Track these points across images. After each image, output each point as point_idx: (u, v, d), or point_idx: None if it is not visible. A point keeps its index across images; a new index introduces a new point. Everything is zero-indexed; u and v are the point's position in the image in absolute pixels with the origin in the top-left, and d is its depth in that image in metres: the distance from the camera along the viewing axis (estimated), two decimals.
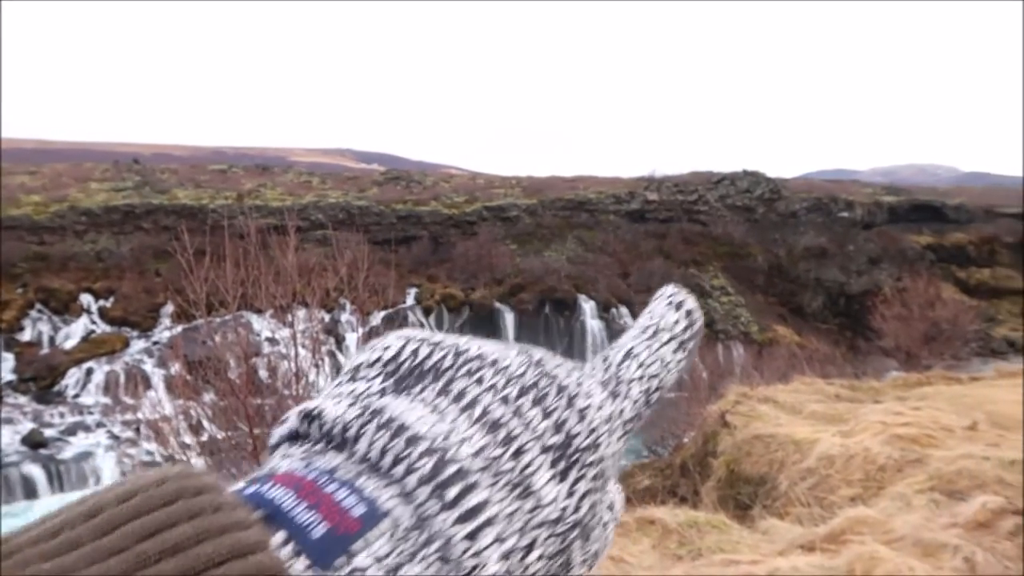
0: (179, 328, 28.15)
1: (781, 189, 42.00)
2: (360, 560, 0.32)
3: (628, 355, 0.44)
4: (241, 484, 0.33)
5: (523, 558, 0.35)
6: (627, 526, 4.93)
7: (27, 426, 21.14)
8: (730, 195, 40.78)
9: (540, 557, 0.35)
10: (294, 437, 0.38)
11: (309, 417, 0.37)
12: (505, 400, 0.39)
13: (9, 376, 23.92)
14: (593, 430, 0.39)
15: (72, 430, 21.59)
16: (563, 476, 0.37)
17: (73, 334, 26.87)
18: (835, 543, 3.74)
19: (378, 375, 0.40)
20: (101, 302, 28.33)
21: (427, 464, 0.35)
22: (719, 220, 39.68)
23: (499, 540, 0.34)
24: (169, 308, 28.81)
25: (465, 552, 0.33)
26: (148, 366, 25.08)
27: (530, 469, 0.37)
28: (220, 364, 8.45)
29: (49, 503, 19.23)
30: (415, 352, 0.41)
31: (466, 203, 37.41)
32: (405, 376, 0.40)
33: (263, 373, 9.13)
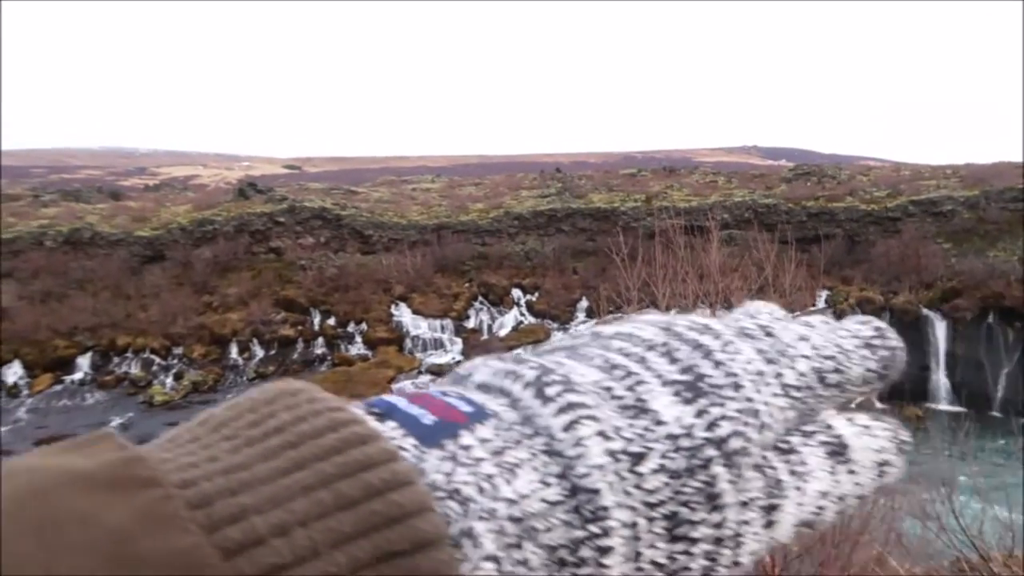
0: (592, 322, 30.55)
1: None
2: (465, 440, 0.33)
3: (799, 337, 0.43)
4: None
5: (635, 465, 0.34)
6: None
7: None
8: None
9: (659, 470, 0.34)
10: None
11: (463, 378, 0.40)
12: (628, 354, 0.39)
13: (459, 357, 28.33)
14: (730, 373, 0.38)
15: None
16: (688, 402, 0.37)
17: (506, 324, 30.79)
18: None
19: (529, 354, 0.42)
20: (528, 296, 31.97)
21: (532, 373, 0.37)
22: None
23: (602, 435, 0.34)
24: (584, 303, 31.37)
25: (565, 441, 0.34)
26: None
27: (646, 396, 0.36)
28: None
29: None
30: (560, 340, 0.44)
31: (888, 197, 33.80)
32: (542, 351, 0.42)
33: None
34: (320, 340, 28.48)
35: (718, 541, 0.35)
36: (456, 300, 30.84)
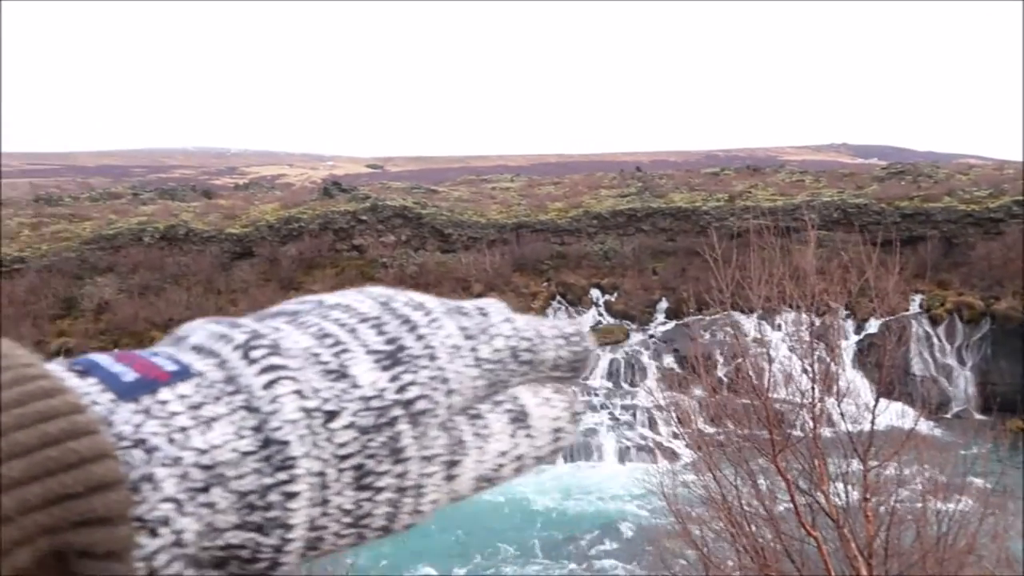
0: (672, 323, 30.08)
1: None
2: (163, 395, 0.36)
3: (505, 319, 0.49)
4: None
5: (327, 422, 0.38)
6: None
7: None
8: None
9: (349, 426, 0.38)
10: None
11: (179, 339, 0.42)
12: (342, 324, 0.43)
13: None
14: (428, 346, 0.43)
15: (582, 407, 24.61)
16: (386, 369, 0.41)
17: (584, 324, 30.47)
18: None
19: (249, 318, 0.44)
20: (607, 296, 31.70)
21: (243, 337, 0.40)
22: None
23: (299, 394, 0.38)
24: (664, 304, 30.89)
25: (263, 398, 0.37)
26: (644, 357, 27.23)
27: (349, 363, 0.40)
28: (709, 361, 8.71)
29: (562, 468, 22.28)
30: (286, 306, 0.46)
31: (990, 197, 31.98)
32: (263, 315, 0.45)
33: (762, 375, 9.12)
34: None
35: (401, 491, 0.40)
36: (534, 299, 30.86)
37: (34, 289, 27.39)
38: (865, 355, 21.25)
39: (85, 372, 0.35)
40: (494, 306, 0.50)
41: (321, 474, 0.37)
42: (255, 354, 0.39)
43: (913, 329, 25.33)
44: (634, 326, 30.06)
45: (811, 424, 6.45)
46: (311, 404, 0.38)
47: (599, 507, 20.30)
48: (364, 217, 32.81)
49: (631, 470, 19.74)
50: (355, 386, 0.40)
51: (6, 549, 0.28)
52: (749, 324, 13.23)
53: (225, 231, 31.89)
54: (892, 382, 7.98)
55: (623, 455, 22.41)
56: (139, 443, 0.34)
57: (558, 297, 31.50)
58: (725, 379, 9.03)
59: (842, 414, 6.65)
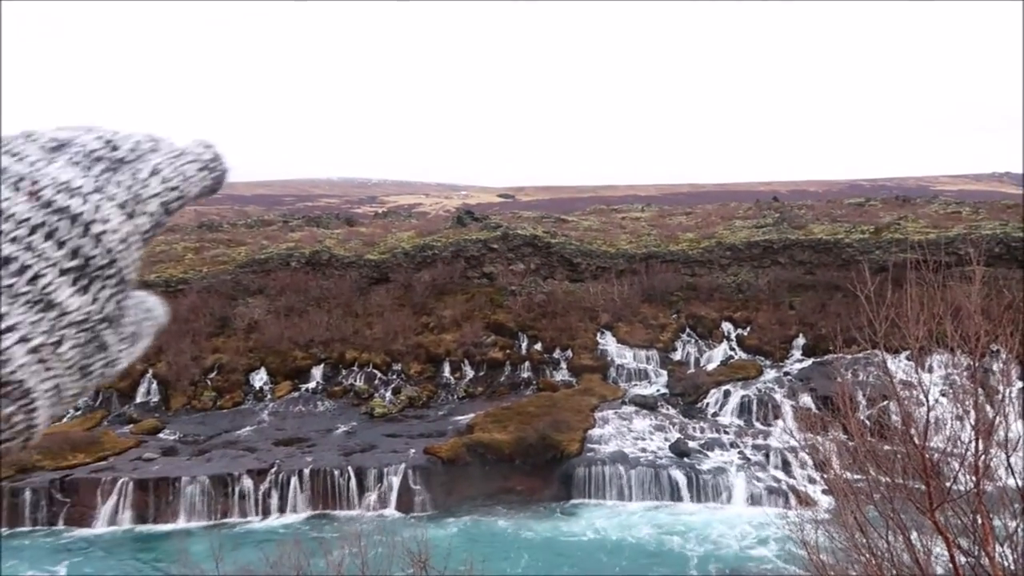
0: (809, 361, 28.58)
1: None
2: None
3: (153, 172, 0.53)
4: None
5: (56, 350, 0.46)
6: None
7: (674, 435, 24.10)
8: None
9: (72, 347, 0.47)
10: None
11: None
12: (15, 240, 0.46)
13: (663, 389, 27.69)
14: (109, 250, 0.49)
15: (710, 445, 23.74)
16: (85, 289, 0.48)
17: (714, 358, 29.63)
18: None
19: None
20: (739, 330, 30.59)
21: None
22: None
23: (24, 340, 0.44)
24: (801, 340, 29.45)
25: None
26: (778, 395, 26.01)
27: (50, 288, 0.46)
28: (850, 402, 8.18)
29: (689, 508, 21.54)
30: None
31: None
32: None
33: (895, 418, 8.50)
34: (527, 364, 29.12)
35: (107, 364, 0.52)
36: (663, 331, 30.23)
37: (194, 308, 29.62)
38: None
39: None
40: (143, 144, 0.54)
41: (56, 387, 0.46)
42: None
43: None
44: (768, 362, 28.81)
45: (973, 477, 5.88)
46: (35, 342, 0.45)
47: (727, 550, 19.42)
48: (495, 245, 33.40)
49: (762, 513, 18.78)
50: (64, 313, 0.46)
51: None
52: (895, 365, 12.39)
53: (364, 257, 33.35)
54: None
55: (754, 497, 21.38)
56: None
57: (688, 329, 30.72)
58: (869, 423, 8.45)
59: (1010, 467, 6.03)
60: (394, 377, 28.49)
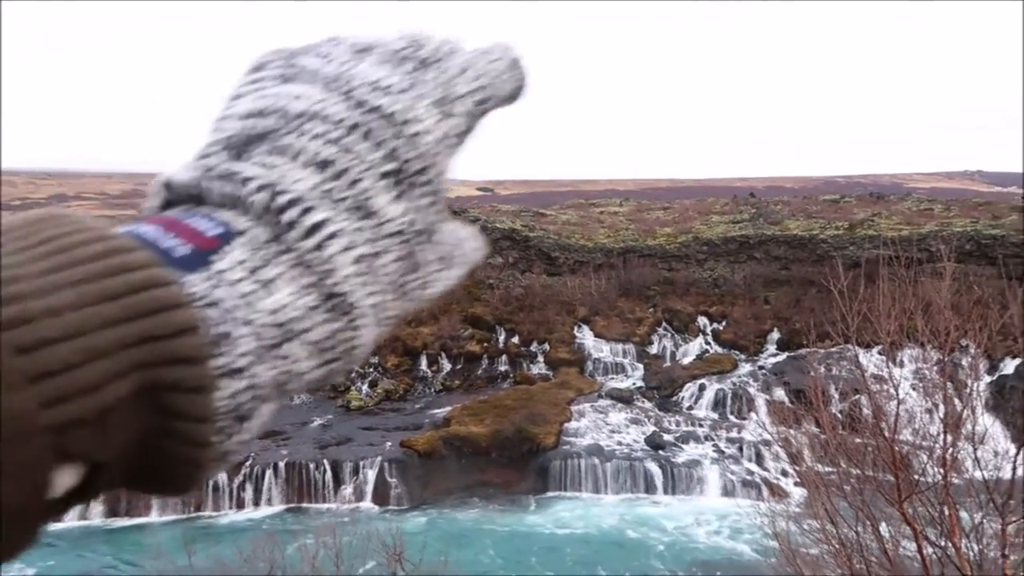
0: (783, 355, 28.86)
1: None
2: (219, 264, 0.38)
3: (463, 70, 0.49)
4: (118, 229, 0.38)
5: (375, 262, 0.43)
6: None
7: (650, 428, 24.27)
8: None
9: (392, 260, 0.44)
10: (165, 206, 0.43)
11: (167, 186, 0.43)
12: (333, 142, 0.44)
13: (639, 383, 27.86)
14: (425, 153, 0.46)
15: (685, 438, 23.94)
16: (402, 196, 0.45)
17: (690, 352, 29.85)
18: None
19: (217, 149, 0.44)
20: (715, 325, 30.84)
21: (262, 197, 0.41)
22: None
23: (349, 248, 0.42)
24: (776, 335, 29.74)
25: (317, 259, 0.40)
26: (752, 389, 26.27)
27: (368, 194, 0.43)
28: (823, 396, 8.27)
29: (664, 500, 21.70)
30: (256, 114, 0.45)
31: None
32: (239, 145, 0.44)
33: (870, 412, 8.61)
34: (504, 357, 29.15)
35: (422, 286, 0.47)
36: (639, 325, 30.39)
37: None
38: (1001, 398, 19.70)
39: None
40: (446, 44, 0.50)
41: (377, 304, 0.43)
42: (289, 216, 0.41)
43: None
44: (743, 356, 29.07)
45: (941, 470, 5.97)
46: (359, 252, 0.42)
47: (701, 542, 19.62)
48: None
49: (735, 505, 18.97)
50: (384, 221, 0.43)
51: (109, 379, 0.31)
52: (867, 360, 12.56)
53: None
54: None
55: (727, 489, 21.61)
56: (212, 304, 0.37)
57: (664, 323, 30.90)
58: (841, 416, 8.55)
59: (977, 460, 6.13)
60: (371, 370, 28.37)
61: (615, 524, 20.40)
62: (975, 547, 5.76)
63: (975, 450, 6.11)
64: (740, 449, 23.27)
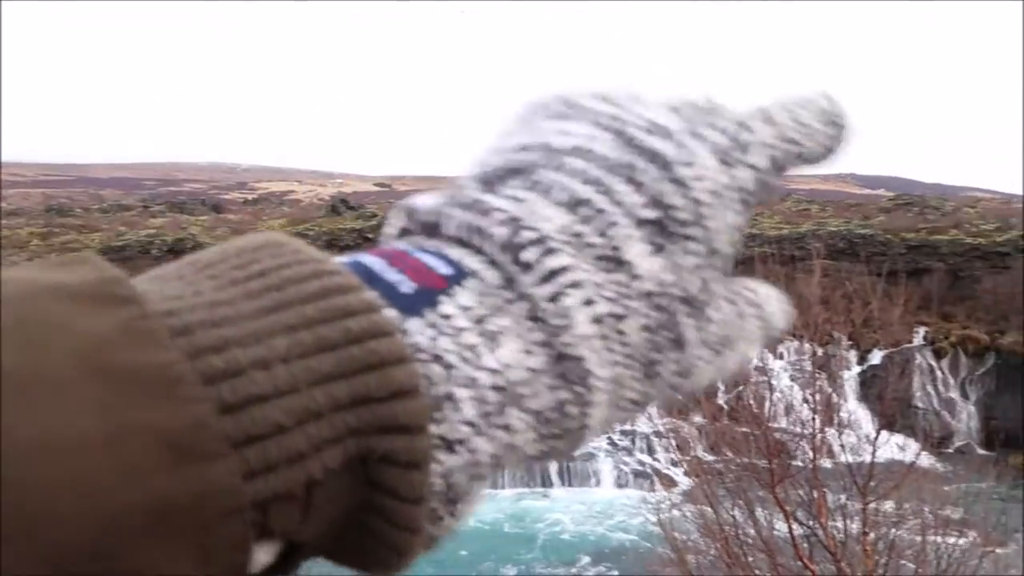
0: None
1: None
2: (445, 308, 0.32)
3: (764, 116, 0.41)
4: (342, 258, 0.34)
5: (618, 325, 0.35)
6: None
7: None
8: None
9: (639, 328, 0.35)
10: (403, 234, 0.38)
11: (410, 212, 0.38)
12: (589, 180, 0.37)
13: None
14: (696, 202, 0.37)
15: None
16: (660, 249, 0.36)
17: None
18: None
19: (471, 181, 0.39)
20: None
21: (504, 231, 0.35)
22: None
23: (588, 303, 0.34)
24: None
25: (551, 311, 0.33)
26: None
27: (620, 243, 0.36)
28: (709, 388, 8.64)
29: (559, 493, 22.11)
30: (519, 149, 0.40)
31: (996, 231, 31.97)
32: (494, 178, 0.39)
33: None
34: None
35: (679, 375, 0.38)
36: None
37: None
38: (867, 387, 21.14)
39: (363, 281, 0.32)
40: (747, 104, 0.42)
41: (615, 377, 0.35)
42: (528, 256, 0.34)
43: (916, 362, 25.23)
44: None
45: (811, 455, 6.39)
46: (600, 311, 0.34)
47: (596, 533, 20.12)
48: (371, 235, 32.88)
49: (628, 496, 19.58)
50: (634, 277, 0.35)
51: (319, 446, 0.27)
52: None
53: None
54: (894, 414, 7.92)
55: (621, 480, 22.25)
56: (436, 359, 0.31)
57: None
58: (725, 407, 8.97)
59: (843, 445, 6.59)
60: None
61: (512, 518, 20.63)
62: (840, 526, 6.21)
63: (840, 435, 6.57)
64: (633, 441, 23.98)
